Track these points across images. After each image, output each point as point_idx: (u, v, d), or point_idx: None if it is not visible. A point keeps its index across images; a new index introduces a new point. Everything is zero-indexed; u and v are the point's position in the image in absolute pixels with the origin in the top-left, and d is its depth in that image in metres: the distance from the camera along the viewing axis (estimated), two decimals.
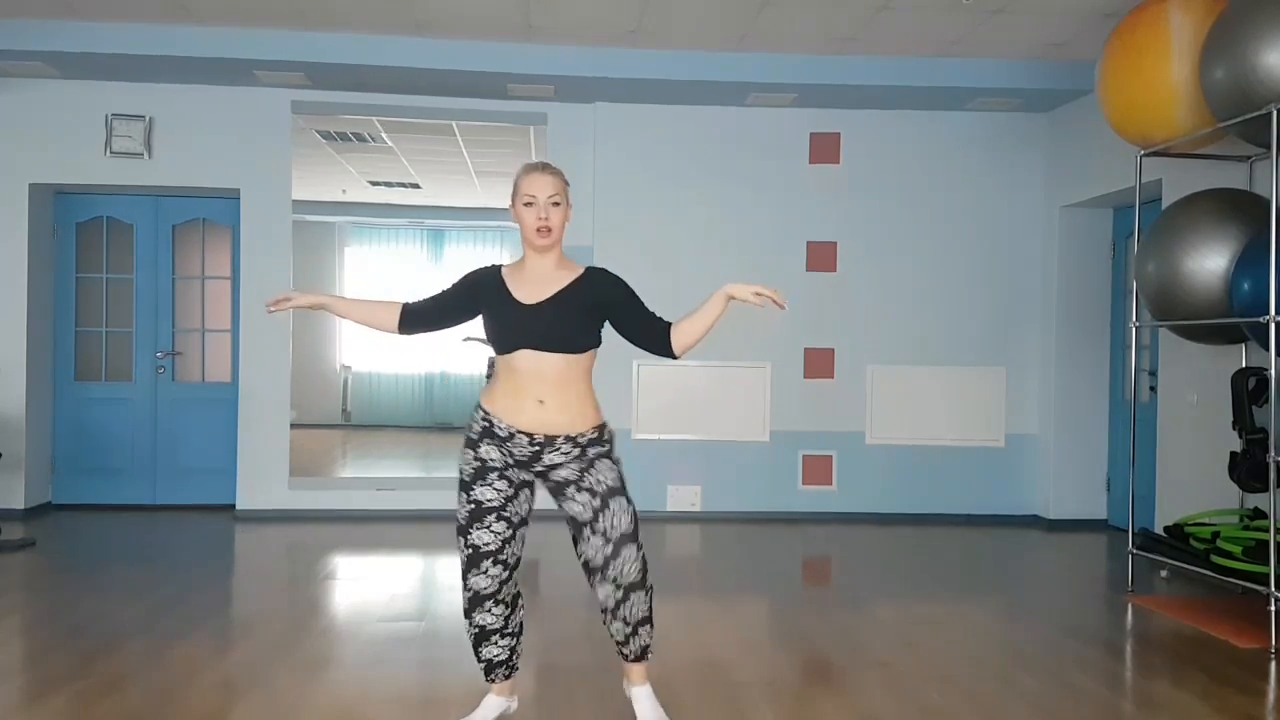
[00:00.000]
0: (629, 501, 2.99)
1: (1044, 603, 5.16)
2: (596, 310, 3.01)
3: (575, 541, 3.04)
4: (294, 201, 6.98)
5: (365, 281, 12.42)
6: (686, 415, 7.05)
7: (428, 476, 8.66)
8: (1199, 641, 4.32)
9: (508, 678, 3.13)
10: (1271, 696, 3.75)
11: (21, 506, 6.72)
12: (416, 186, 10.80)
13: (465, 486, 2.98)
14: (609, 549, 2.93)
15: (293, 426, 7.05)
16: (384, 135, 8.37)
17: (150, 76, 6.65)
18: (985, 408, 7.17)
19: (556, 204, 2.98)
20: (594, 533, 2.94)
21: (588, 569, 2.99)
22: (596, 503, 2.94)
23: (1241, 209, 4.72)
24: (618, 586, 2.94)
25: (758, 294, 2.89)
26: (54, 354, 7.12)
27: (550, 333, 2.92)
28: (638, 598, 2.98)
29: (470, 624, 3.04)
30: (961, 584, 5.53)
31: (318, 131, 8.29)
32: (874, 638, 4.33)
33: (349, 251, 12.81)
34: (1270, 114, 4.22)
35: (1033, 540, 6.65)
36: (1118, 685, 3.89)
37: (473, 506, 2.96)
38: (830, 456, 7.11)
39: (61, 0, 5.68)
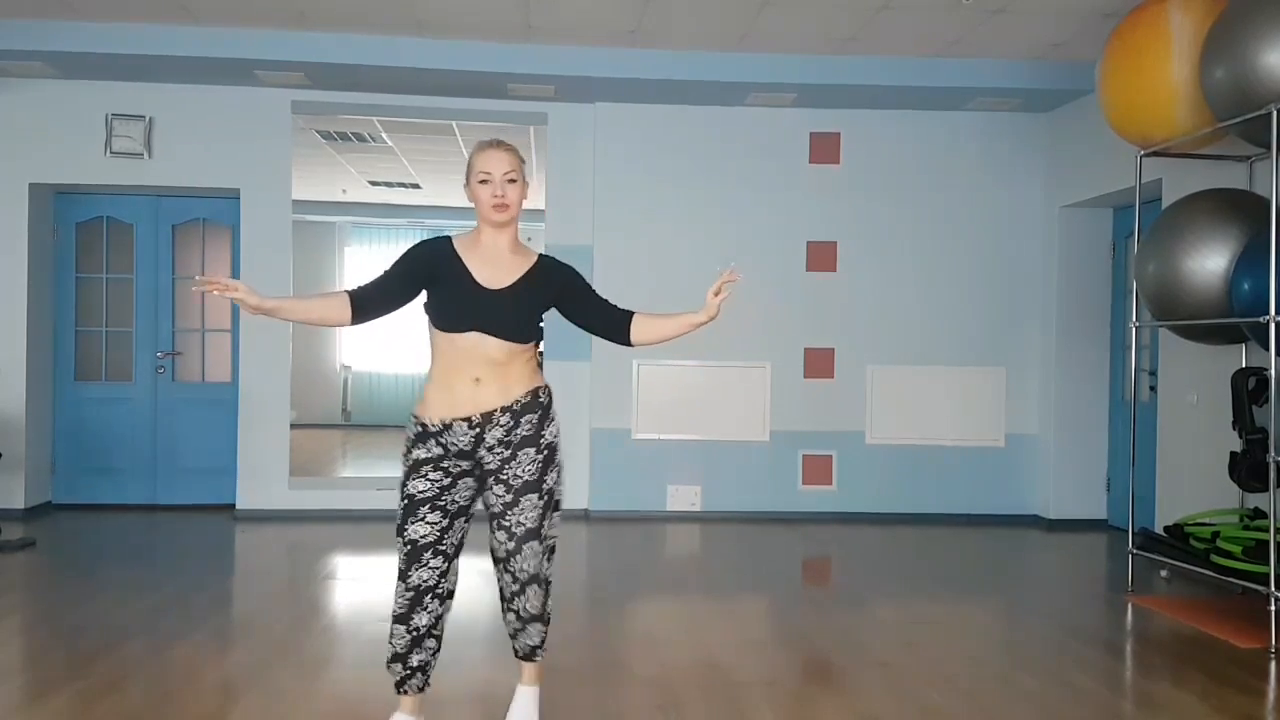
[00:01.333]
0: (541, 497, 2.92)
1: (1044, 603, 5.15)
2: (550, 301, 3.01)
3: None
4: (294, 201, 6.98)
5: (365, 282, 12.40)
6: (686, 415, 7.05)
7: None
8: (1199, 641, 4.32)
9: (421, 690, 2.97)
10: (1271, 696, 3.74)
11: (21, 506, 6.72)
12: (416, 186, 10.81)
13: (401, 487, 2.94)
14: (511, 544, 2.89)
15: (293, 426, 7.06)
16: (384, 135, 8.38)
17: (150, 76, 6.65)
18: (985, 408, 7.17)
19: (513, 181, 2.91)
20: (499, 527, 2.91)
21: (493, 558, 2.97)
22: (509, 497, 2.90)
23: (1241, 209, 4.71)
24: (514, 579, 2.91)
25: (716, 294, 2.92)
26: (54, 354, 7.12)
27: (505, 321, 2.88)
28: (533, 591, 2.93)
29: (407, 628, 2.89)
30: (961, 584, 5.52)
31: (318, 131, 8.30)
32: (874, 638, 4.33)
33: (349, 251, 12.84)
34: (1270, 114, 4.22)
35: (1033, 540, 6.65)
36: (1118, 685, 3.89)
37: (405, 502, 2.92)
38: (830, 456, 7.11)
39: (61, 0, 5.68)
